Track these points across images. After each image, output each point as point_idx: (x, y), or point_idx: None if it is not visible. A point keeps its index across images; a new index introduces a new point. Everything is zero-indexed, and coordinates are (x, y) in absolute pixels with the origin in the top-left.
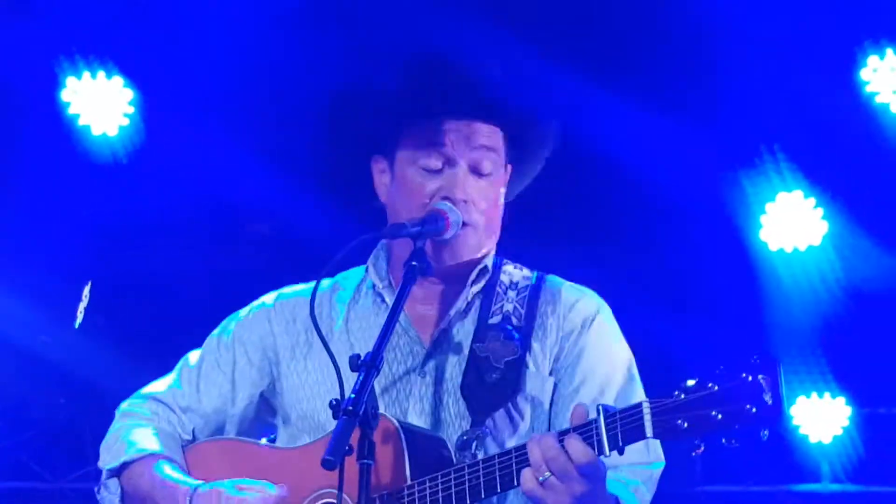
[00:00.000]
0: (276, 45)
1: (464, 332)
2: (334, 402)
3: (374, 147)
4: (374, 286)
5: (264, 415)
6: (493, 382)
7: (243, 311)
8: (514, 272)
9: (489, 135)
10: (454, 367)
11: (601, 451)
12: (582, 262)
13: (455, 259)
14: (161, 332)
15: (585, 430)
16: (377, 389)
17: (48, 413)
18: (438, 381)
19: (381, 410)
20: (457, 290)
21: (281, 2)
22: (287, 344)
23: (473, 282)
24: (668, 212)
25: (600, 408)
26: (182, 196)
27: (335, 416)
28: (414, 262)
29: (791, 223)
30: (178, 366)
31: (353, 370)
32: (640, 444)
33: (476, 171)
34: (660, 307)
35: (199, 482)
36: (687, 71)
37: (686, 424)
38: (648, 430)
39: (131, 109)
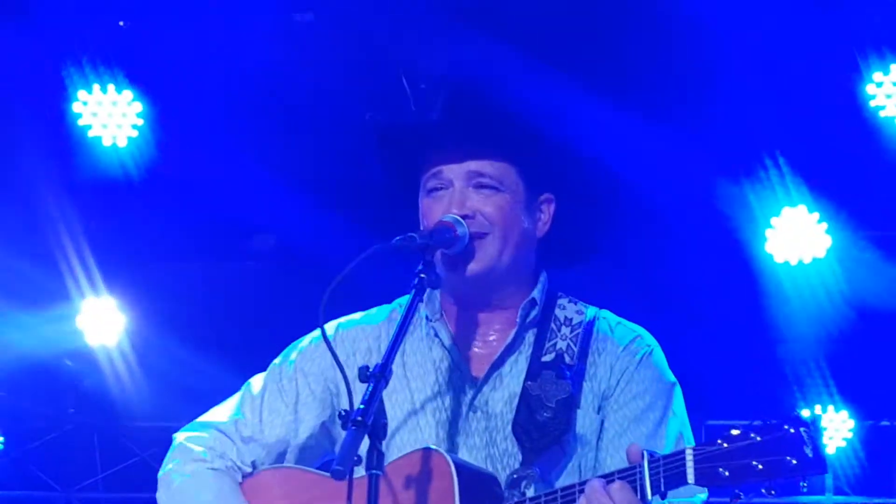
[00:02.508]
0: (285, 60)
1: (516, 369)
2: (343, 413)
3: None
4: (427, 318)
5: (325, 443)
6: (544, 422)
7: (304, 341)
8: (568, 307)
9: (486, 164)
10: (505, 405)
11: (643, 496)
12: (589, 277)
13: (476, 278)
14: (170, 344)
15: (629, 475)
16: (432, 423)
17: (57, 423)
18: (490, 416)
19: (435, 445)
20: (508, 326)
21: (289, 17)
22: (347, 377)
23: (523, 316)
24: (674, 225)
25: (645, 453)
26: (190, 207)
27: (344, 427)
28: (423, 275)
29: (796, 236)
30: (240, 393)
31: (361, 381)
32: None
33: (477, 185)
34: (666, 320)
35: None
36: (692, 87)
37: (727, 473)
38: (690, 477)
39: (141, 122)
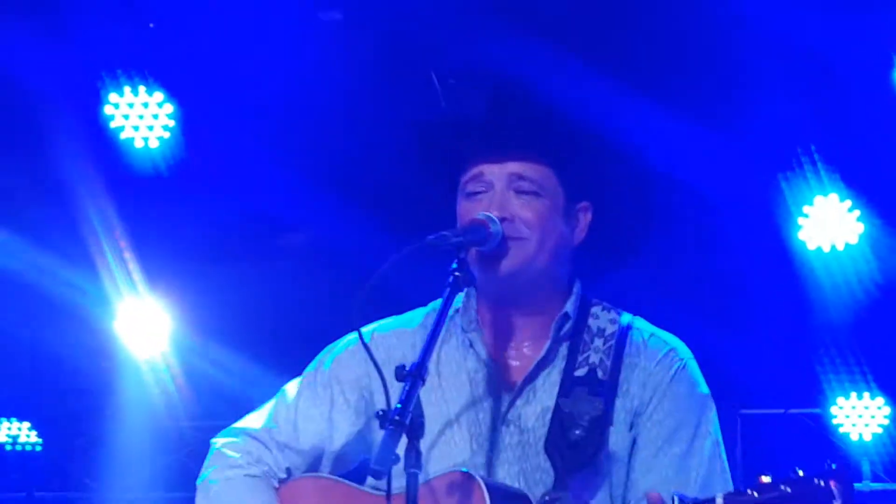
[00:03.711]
0: (314, 59)
1: (549, 382)
2: (380, 413)
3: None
4: (463, 329)
5: (361, 450)
6: (577, 440)
7: (339, 346)
8: (601, 316)
9: (528, 167)
10: (538, 419)
11: None
12: (623, 270)
13: (510, 275)
14: (207, 344)
15: None
16: (467, 437)
17: (95, 423)
18: (523, 430)
19: (470, 464)
20: (542, 337)
21: (319, 17)
22: (382, 385)
23: (556, 329)
24: (708, 215)
25: (676, 497)
26: (221, 207)
27: (381, 427)
28: (457, 273)
29: (828, 224)
30: (274, 400)
31: (398, 380)
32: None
33: (517, 189)
34: (701, 308)
35: None
36: (725, 78)
37: None
38: None
39: (172, 123)
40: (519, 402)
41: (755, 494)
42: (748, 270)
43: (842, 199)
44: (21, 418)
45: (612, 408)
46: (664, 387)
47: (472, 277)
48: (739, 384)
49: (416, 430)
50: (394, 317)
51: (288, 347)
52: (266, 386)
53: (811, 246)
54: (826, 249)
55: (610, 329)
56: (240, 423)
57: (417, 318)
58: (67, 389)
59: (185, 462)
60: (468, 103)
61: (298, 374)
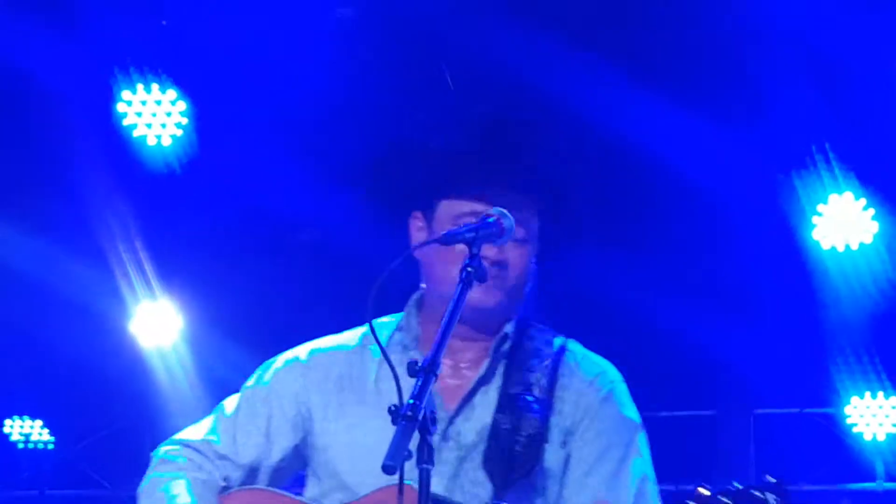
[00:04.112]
0: (327, 56)
1: (487, 400)
2: (392, 409)
3: (413, 203)
4: (403, 345)
5: (297, 465)
6: (514, 455)
7: (278, 362)
8: (537, 337)
9: (526, 204)
10: (477, 435)
11: None
12: (641, 265)
13: (486, 305)
14: (219, 342)
15: None
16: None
17: (107, 421)
18: (461, 446)
19: (405, 471)
20: (480, 357)
21: (330, 13)
22: (319, 402)
23: (495, 349)
24: (723, 214)
25: None
26: (233, 205)
27: (394, 422)
28: (470, 268)
29: (843, 223)
30: (214, 413)
31: (410, 375)
32: None
33: (514, 237)
34: (715, 308)
35: None
36: (739, 76)
37: None
38: None
39: (185, 120)
40: (458, 420)
41: None
42: (762, 270)
43: (857, 198)
44: (34, 416)
45: (547, 425)
46: (595, 408)
47: (483, 272)
48: (753, 384)
49: (428, 425)
50: (332, 335)
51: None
52: None
53: (825, 245)
54: (840, 249)
55: (546, 350)
56: (179, 435)
57: (355, 340)
58: (79, 388)
59: None
60: (478, 133)
61: None
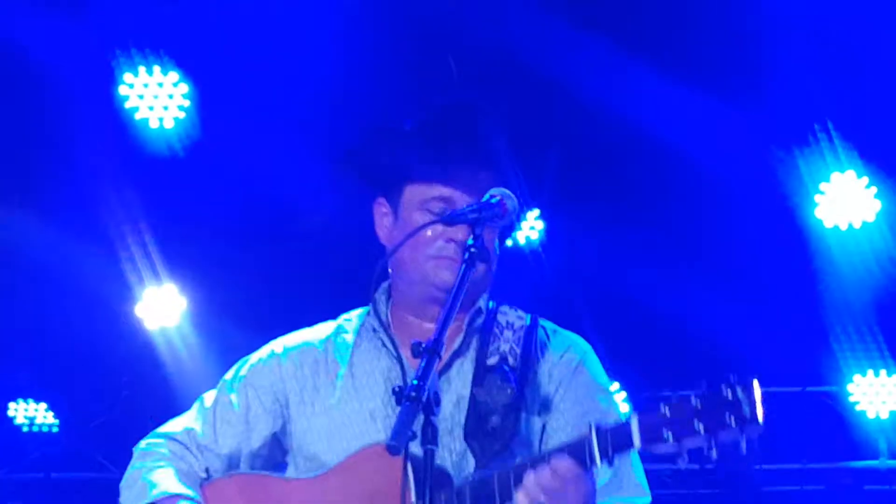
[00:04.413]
0: (331, 39)
1: (463, 371)
2: (396, 389)
3: (379, 189)
4: (373, 329)
5: (276, 452)
6: (493, 426)
7: (254, 357)
8: (509, 313)
9: (490, 183)
10: (455, 406)
11: (592, 463)
12: (640, 244)
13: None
14: (225, 326)
15: (577, 445)
16: (382, 431)
17: (112, 404)
18: (440, 419)
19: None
20: (454, 333)
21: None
22: (296, 389)
23: (469, 323)
24: (725, 192)
25: (592, 423)
26: (236, 188)
27: (398, 403)
28: (473, 249)
29: (845, 201)
30: (193, 406)
31: (414, 356)
32: (628, 479)
33: None
34: (717, 286)
35: None
36: (742, 53)
37: (671, 436)
38: (636, 441)
39: (187, 103)
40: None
41: (667, 411)
42: (764, 249)
43: (859, 176)
44: (38, 399)
45: (522, 395)
46: (568, 379)
47: (486, 253)
48: (756, 362)
49: (431, 405)
50: (303, 330)
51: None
52: None
53: (828, 224)
54: (843, 228)
55: (518, 323)
56: (162, 429)
57: (329, 330)
58: (84, 371)
59: None
60: (441, 118)
61: None
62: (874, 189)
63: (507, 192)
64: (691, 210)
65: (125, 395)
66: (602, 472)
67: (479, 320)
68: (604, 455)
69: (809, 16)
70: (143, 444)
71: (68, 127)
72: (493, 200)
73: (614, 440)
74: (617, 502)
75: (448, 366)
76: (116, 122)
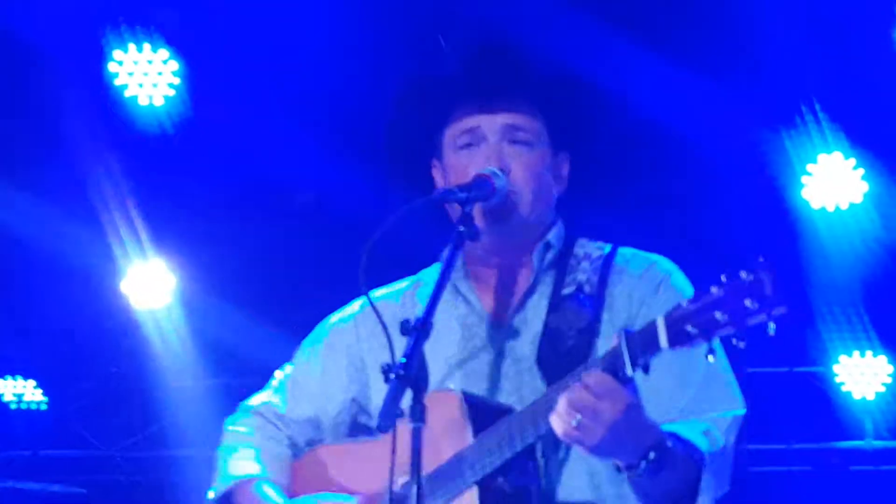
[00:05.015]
0: (322, 16)
1: (538, 307)
2: (385, 367)
3: (427, 152)
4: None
5: (361, 417)
6: (566, 351)
7: (334, 317)
8: (588, 245)
9: (520, 105)
10: (531, 344)
11: (625, 373)
12: (626, 224)
13: (508, 228)
14: (214, 303)
15: (608, 357)
16: (462, 379)
17: (99, 383)
18: (518, 360)
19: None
20: (528, 272)
21: None
22: (375, 348)
23: (539, 259)
24: (712, 172)
25: (622, 332)
26: (228, 166)
27: (386, 381)
28: (462, 228)
29: (832, 182)
30: (276, 374)
31: (403, 334)
32: (706, 391)
33: (511, 140)
34: (702, 268)
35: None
36: (728, 32)
37: (696, 330)
38: (663, 342)
39: (177, 80)
40: (511, 334)
41: (689, 305)
42: (750, 230)
43: (846, 157)
44: (26, 376)
45: (599, 319)
46: (651, 295)
47: (476, 232)
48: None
49: (420, 383)
50: (386, 286)
51: (295, 307)
52: (273, 345)
53: (815, 205)
54: (830, 209)
55: (596, 254)
56: (248, 401)
57: (404, 285)
58: (73, 348)
59: (190, 420)
60: (458, 57)
61: (305, 333)
62: (861, 170)
63: (496, 170)
64: (676, 190)
65: (114, 373)
66: (665, 387)
67: (550, 254)
68: (635, 364)
69: None
70: (229, 421)
71: (58, 104)
72: (481, 179)
73: (643, 344)
74: (687, 427)
75: (522, 306)
76: (106, 99)
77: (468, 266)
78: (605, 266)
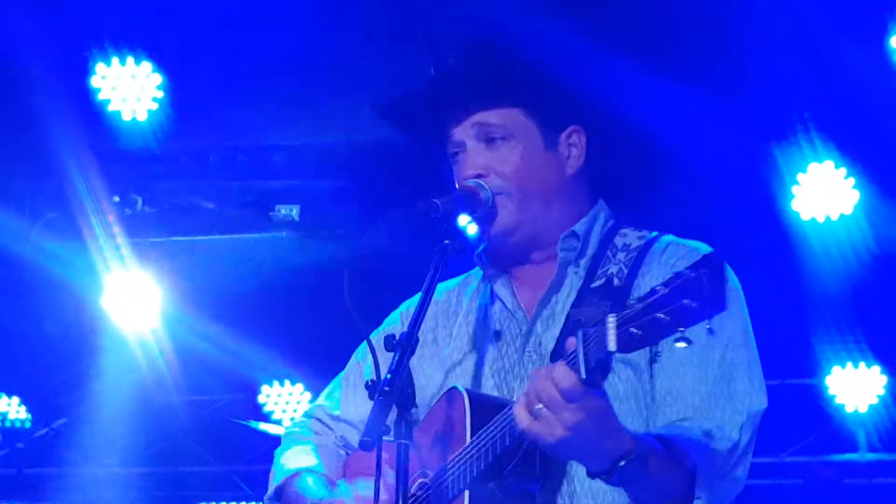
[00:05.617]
0: (306, 28)
1: (566, 301)
2: (370, 384)
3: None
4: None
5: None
6: None
7: (388, 317)
8: (630, 235)
9: (492, 114)
10: (553, 339)
11: (579, 373)
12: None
13: (504, 230)
14: (198, 318)
15: (571, 357)
16: (489, 374)
17: (84, 400)
18: (543, 356)
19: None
20: (553, 263)
21: None
22: (420, 344)
23: (564, 250)
24: (701, 183)
25: (580, 333)
26: (211, 179)
27: (371, 398)
28: (447, 241)
29: (823, 192)
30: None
31: (387, 350)
32: (722, 387)
33: (487, 138)
34: None
35: (325, 493)
36: (718, 42)
37: (640, 332)
38: (612, 345)
39: (160, 94)
40: (538, 331)
41: (637, 305)
42: (741, 241)
43: (837, 167)
44: (10, 394)
45: (622, 309)
46: None
47: (463, 244)
48: None
49: (405, 400)
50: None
51: (280, 321)
52: (256, 360)
53: (805, 216)
54: (820, 220)
55: (636, 244)
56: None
57: (454, 282)
58: (56, 364)
59: (174, 437)
60: (425, 78)
61: (291, 347)
62: (852, 180)
63: (480, 181)
64: (666, 200)
65: (98, 390)
66: (680, 388)
67: (576, 244)
68: (586, 366)
69: (787, 6)
70: (289, 425)
71: (40, 118)
72: (465, 192)
73: (595, 347)
74: (684, 432)
75: (547, 301)
76: (89, 113)
77: (495, 262)
78: (640, 256)
